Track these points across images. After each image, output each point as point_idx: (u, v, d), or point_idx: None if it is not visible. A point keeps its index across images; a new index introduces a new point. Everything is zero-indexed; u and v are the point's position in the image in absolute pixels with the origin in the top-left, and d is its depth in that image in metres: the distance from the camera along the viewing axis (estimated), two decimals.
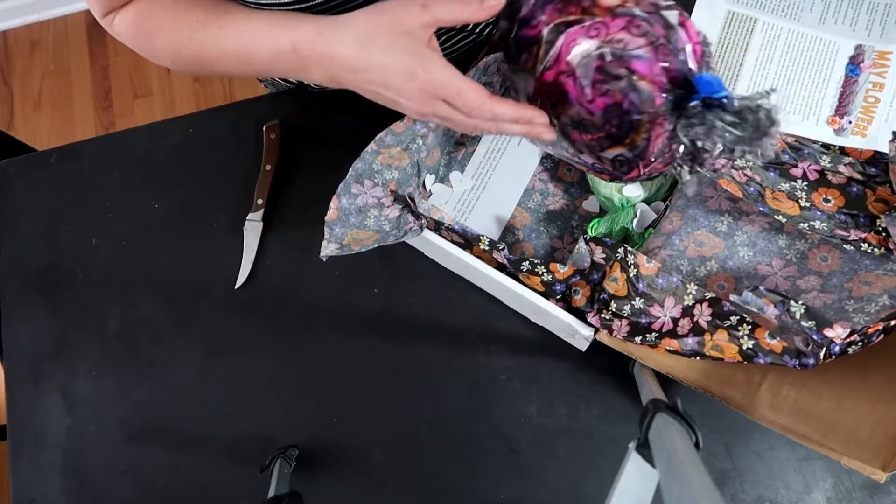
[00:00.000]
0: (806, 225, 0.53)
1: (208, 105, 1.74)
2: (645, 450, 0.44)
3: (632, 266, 0.55)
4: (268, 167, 0.74)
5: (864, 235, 0.52)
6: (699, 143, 0.42)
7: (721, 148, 0.42)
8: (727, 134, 0.40)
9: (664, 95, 0.42)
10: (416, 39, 0.46)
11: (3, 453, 0.73)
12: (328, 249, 0.58)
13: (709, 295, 0.53)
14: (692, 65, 0.42)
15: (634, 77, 0.42)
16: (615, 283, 0.56)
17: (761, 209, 0.54)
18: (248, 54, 0.51)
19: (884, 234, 0.52)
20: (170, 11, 0.53)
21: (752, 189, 0.54)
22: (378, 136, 0.60)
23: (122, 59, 1.85)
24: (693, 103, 0.41)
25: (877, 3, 0.72)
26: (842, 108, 0.70)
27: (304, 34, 0.48)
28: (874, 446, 0.49)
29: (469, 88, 0.46)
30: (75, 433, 0.69)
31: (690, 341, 0.53)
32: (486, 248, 0.59)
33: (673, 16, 0.42)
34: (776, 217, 0.54)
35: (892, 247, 0.51)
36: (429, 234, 0.60)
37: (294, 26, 0.48)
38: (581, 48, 0.42)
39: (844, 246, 0.53)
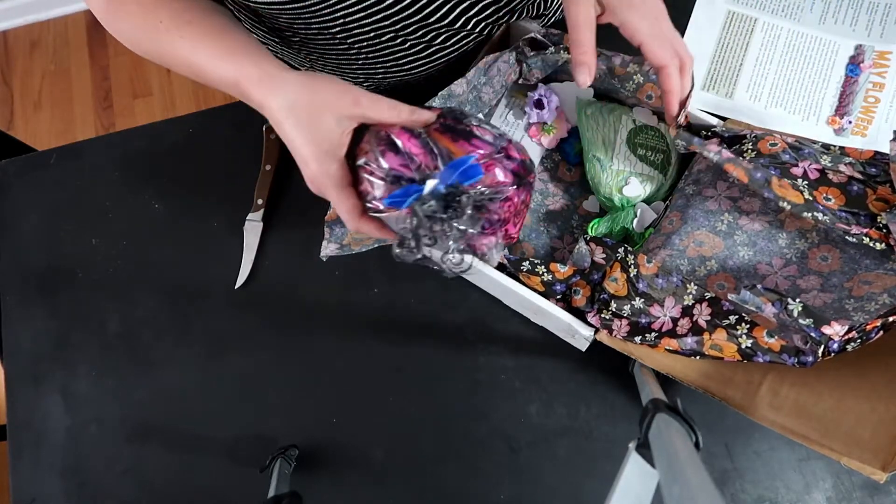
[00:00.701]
0: (810, 215, 0.52)
1: (208, 105, 1.74)
2: (645, 450, 0.44)
3: (632, 266, 0.55)
4: (268, 167, 0.74)
5: (865, 231, 0.52)
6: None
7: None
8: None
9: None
10: (329, 130, 0.48)
11: (3, 453, 0.73)
12: (328, 249, 0.58)
13: (708, 294, 0.53)
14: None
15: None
16: (615, 283, 0.56)
17: (766, 195, 0.53)
18: (199, 71, 0.52)
19: (885, 230, 0.52)
20: (136, 3, 0.53)
21: (758, 175, 0.54)
22: None
23: (122, 59, 1.85)
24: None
25: (877, 3, 0.72)
26: (842, 108, 0.70)
27: (249, 73, 0.49)
28: (874, 446, 0.49)
29: (341, 206, 0.49)
30: (75, 433, 0.69)
31: (689, 341, 0.53)
32: None
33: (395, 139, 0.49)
34: (781, 204, 0.53)
35: (892, 243, 0.51)
36: None
37: (241, 65, 0.49)
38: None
39: (847, 238, 0.52)
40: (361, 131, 0.50)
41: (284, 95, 0.48)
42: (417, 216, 0.47)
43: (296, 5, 0.58)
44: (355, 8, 0.58)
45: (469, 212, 0.47)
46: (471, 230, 0.48)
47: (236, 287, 0.72)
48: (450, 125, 0.49)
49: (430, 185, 0.47)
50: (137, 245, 0.75)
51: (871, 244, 0.52)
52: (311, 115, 0.47)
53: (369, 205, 0.50)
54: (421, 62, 0.69)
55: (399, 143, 0.48)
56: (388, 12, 0.59)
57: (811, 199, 0.54)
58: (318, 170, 0.48)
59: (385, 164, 0.48)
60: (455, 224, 0.47)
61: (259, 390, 0.69)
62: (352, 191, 0.50)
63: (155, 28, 0.52)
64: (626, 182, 0.62)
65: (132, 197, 0.77)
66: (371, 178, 0.49)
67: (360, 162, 0.49)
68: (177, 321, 0.72)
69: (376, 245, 0.58)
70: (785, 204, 0.53)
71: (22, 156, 0.82)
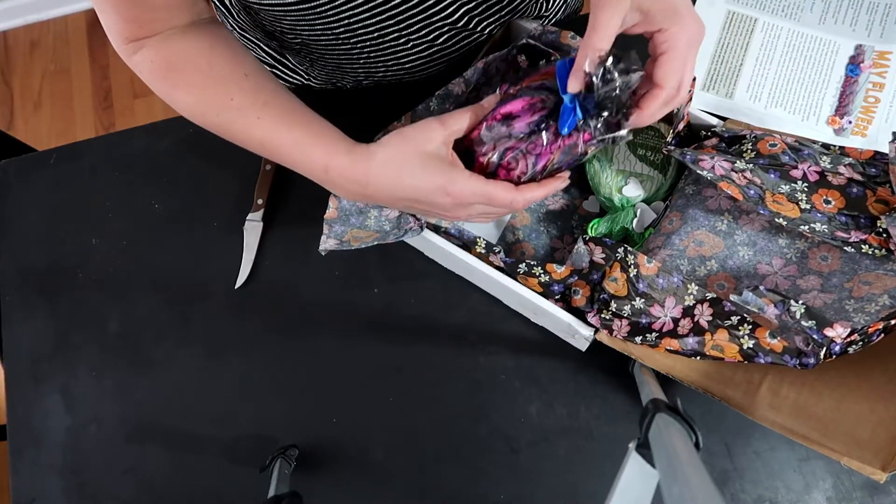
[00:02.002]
0: (806, 227, 0.53)
1: None
2: (645, 450, 0.44)
3: (632, 266, 0.55)
4: (268, 167, 0.74)
5: (864, 237, 0.52)
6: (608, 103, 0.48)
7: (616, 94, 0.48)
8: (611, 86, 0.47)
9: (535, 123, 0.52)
10: (441, 159, 0.50)
11: (3, 453, 0.73)
12: (327, 244, 0.58)
13: (709, 295, 0.53)
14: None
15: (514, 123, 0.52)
16: (615, 283, 0.56)
17: (762, 212, 0.54)
18: (276, 151, 0.52)
19: (884, 235, 0.52)
20: (203, 76, 0.52)
21: (752, 192, 0.54)
22: (377, 136, 0.60)
23: (122, 59, 1.85)
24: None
25: (877, 3, 0.72)
26: (842, 108, 0.70)
27: (338, 161, 0.50)
28: (874, 446, 0.49)
29: (496, 191, 0.50)
30: (75, 433, 0.69)
31: (691, 341, 0.53)
32: (483, 250, 0.59)
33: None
34: (776, 220, 0.54)
35: (892, 248, 0.51)
36: (429, 234, 0.61)
37: (329, 151, 0.51)
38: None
39: (845, 248, 0.53)
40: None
41: (385, 161, 0.50)
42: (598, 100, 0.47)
43: (302, 7, 0.58)
44: (361, 8, 0.59)
45: (617, 73, 0.47)
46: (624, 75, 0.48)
47: (236, 287, 0.72)
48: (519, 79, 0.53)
49: (567, 97, 0.48)
50: (137, 245, 0.75)
51: (871, 251, 0.52)
52: (418, 156, 0.49)
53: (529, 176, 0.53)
54: (422, 61, 0.69)
55: (511, 111, 0.51)
56: (393, 11, 0.59)
57: (808, 206, 0.54)
58: (457, 190, 0.49)
59: (522, 128, 0.51)
60: (618, 85, 0.47)
61: (259, 390, 0.69)
62: (496, 181, 0.51)
63: (225, 106, 0.52)
64: (625, 182, 0.62)
65: (132, 197, 0.77)
66: (522, 154, 0.51)
67: (495, 158, 0.52)
68: (177, 321, 0.72)
69: (375, 243, 0.58)
70: (780, 220, 0.53)
71: (22, 156, 0.82)
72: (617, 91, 0.47)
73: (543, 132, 0.50)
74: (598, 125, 0.49)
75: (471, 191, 0.49)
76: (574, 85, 0.47)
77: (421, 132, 0.50)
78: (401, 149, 0.50)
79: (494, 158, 0.52)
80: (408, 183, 0.49)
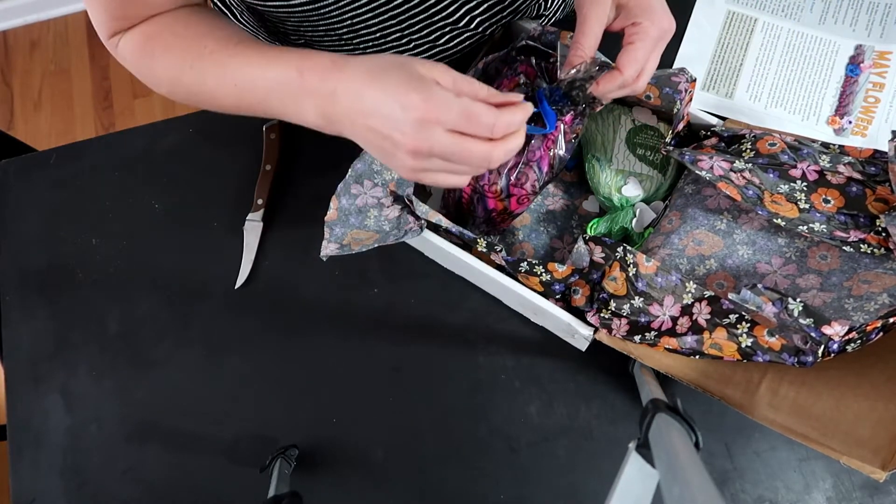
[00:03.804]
0: (805, 227, 0.53)
1: None
2: (645, 450, 0.44)
3: (631, 265, 0.55)
4: (268, 167, 0.74)
5: (863, 236, 0.52)
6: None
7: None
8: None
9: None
10: (428, 79, 0.43)
11: (3, 453, 0.73)
12: (328, 249, 0.58)
13: (708, 293, 0.53)
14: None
15: None
16: (614, 283, 0.56)
17: (760, 212, 0.54)
18: (250, 82, 0.49)
19: (883, 234, 0.52)
20: (179, 37, 0.52)
21: (750, 192, 0.54)
22: None
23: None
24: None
25: (877, 3, 0.72)
26: (842, 108, 0.70)
27: (316, 62, 0.46)
28: (874, 445, 0.49)
29: (477, 107, 0.42)
30: (75, 433, 0.69)
31: (689, 339, 0.53)
32: (484, 249, 0.59)
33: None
34: (775, 220, 0.54)
35: (892, 247, 0.51)
36: (429, 234, 0.61)
37: (308, 55, 0.47)
38: None
39: (844, 248, 0.53)
40: None
41: (368, 65, 0.44)
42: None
43: (305, 8, 0.58)
44: (364, 8, 0.59)
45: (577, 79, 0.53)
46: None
47: (236, 287, 0.72)
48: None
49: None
50: (137, 245, 0.75)
51: (870, 250, 0.52)
52: (405, 71, 0.43)
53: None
54: None
55: None
56: (396, 11, 0.60)
57: (807, 206, 0.54)
58: (430, 101, 0.41)
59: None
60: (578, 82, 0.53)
61: (259, 390, 0.69)
62: (476, 101, 0.43)
63: (199, 55, 0.51)
64: (625, 182, 0.63)
65: (132, 197, 0.77)
66: (524, 166, 0.56)
67: (503, 182, 0.56)
68: (177, 321, 0.72)
69: (376, 245, 0.58)
70: (779, 220, 0.53)
71: (22, 156, 0.82)
72: (572, 79, 0.52)
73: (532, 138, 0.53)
74: (570, 108, 0.54)
75: (446, 103, 0.41)
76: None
77: (427, 62, 0.43)
78: (391, 61, 0.43)
79: (502, 182, 0.54)
80: (379, 84, 0.42)
